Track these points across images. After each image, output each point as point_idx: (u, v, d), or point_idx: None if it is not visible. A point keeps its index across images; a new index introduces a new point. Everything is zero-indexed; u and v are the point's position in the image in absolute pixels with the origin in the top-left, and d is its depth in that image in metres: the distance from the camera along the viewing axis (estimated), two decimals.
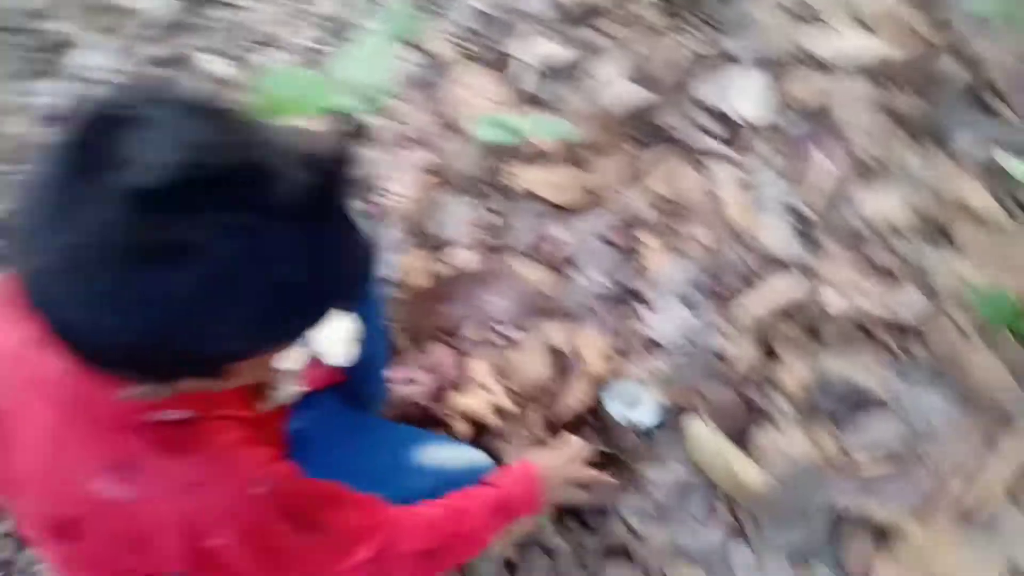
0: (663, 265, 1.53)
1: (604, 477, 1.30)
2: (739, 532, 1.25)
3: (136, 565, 0.81)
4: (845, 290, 1.38)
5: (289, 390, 1.05)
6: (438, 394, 1.54)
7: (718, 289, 1.47)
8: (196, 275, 0.59)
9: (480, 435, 1.49)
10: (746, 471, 1.27)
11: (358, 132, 1.87)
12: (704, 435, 1.32)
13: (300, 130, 0.68)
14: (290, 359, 1.02)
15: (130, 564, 0.81)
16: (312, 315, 0.70)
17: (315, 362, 1.11)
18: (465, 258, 1.66)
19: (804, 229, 1.45)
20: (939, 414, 1.23)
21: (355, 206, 0.72)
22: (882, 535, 1.17)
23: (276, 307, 0.65)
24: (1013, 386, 1.19)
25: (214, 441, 0.79)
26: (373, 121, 1.85)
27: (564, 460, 1.26)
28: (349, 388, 1.36)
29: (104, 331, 0.60)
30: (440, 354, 1.59)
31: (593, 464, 1.30)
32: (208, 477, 0.76)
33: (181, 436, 0.77)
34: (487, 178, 1.72)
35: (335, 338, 1.10)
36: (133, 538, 0.78)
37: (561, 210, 1.65)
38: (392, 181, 1.78)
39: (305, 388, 1.08)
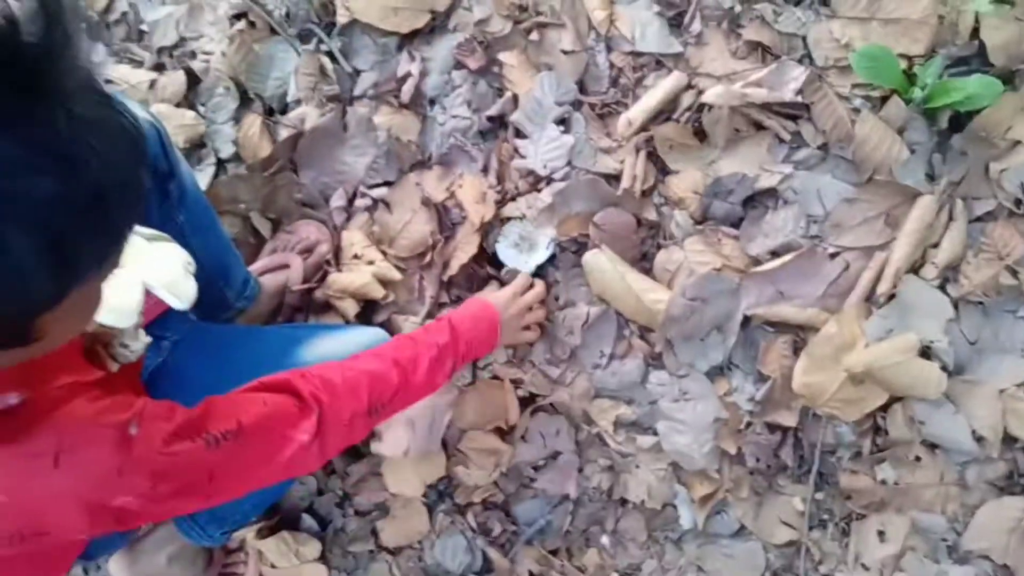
0: (529, 84, 1.28)
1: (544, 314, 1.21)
2: (655, 358, 1.14)
3: (38, 548, 0.68)
4: (725, 78, 1.19)
5: (138, 343, 0.83)
6: (316, 275, 1.31)
7: (593, 102, 1.25)
8: None
9: (370, 310, 1.30)
10: (652, 294, 1.14)
11: None
12: (604, 266, 1.17)
13: None
14: (124, 313, 0.79)
15: (29, 549, 0.68)
16: (103, 225, 0.51)
17: (150, 299, 0.87)
18: (306, 114, 1.36)
19: (674, 17, 1.22)
20: (836, 197, 1.11)
21: (92, 76, 0.50)
22: (795, 332, 1.09)
23: (44, 236, 0.46)
24: (908, 155, 1.06)
25: (61, 408, 0.65)
26: None
27: (518, 299, 1.16)
28: (203, 302, 1.12)
29: None
30: (308, 231, 1.35)
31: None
32: (74, 442, 0.64)
33: (23, 416, 0.63)
34: (311, 16, 1.38)
35: (166, 278, 0.86)
36: (19, 533, 0.66)
37: (404, 38, 1.35)
38: (201, 39, 1.42)
39: (149, 339, 0.86)
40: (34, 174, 0.45)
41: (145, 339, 0.87)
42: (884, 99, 1.11)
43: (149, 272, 0.85)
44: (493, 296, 1.16)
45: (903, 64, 1.11)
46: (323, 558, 1.31)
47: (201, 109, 1.42)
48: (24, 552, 0.68)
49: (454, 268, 1.27)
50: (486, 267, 1.27)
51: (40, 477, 0.63)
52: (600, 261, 1.17)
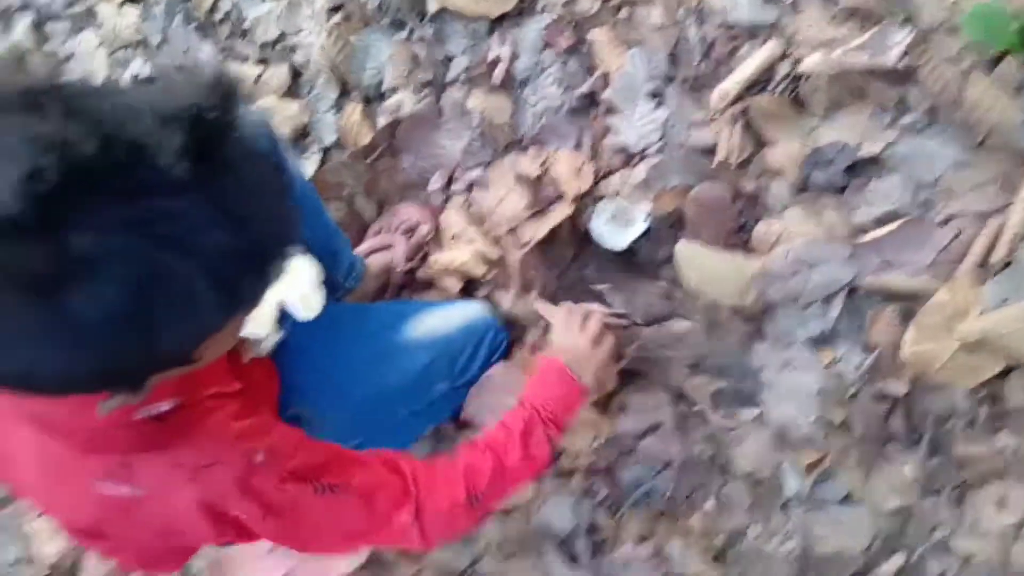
0: (619, 61, 1.29)
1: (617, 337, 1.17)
2: (756, 333, 1.14)
3: (175, 544, 0.79)
4: (824, 45, 1.17)
5: (270, 340, 0.92)
6: (418, 255, 1.37)
7: (686, 75, 1.24)
8: (115, 284, 0.49)
9: (471, 287, 1.34)
10: (749, 271, 1.13)
11: None
12: (697, 250, 1.17)
13: (160, 83, 0.55)
14: (262, 324, 0.87)
15: (169, 544, 0.78)
16: (262, 269, 0.58)
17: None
18: (403, 101, 1.41)
19: None
20: (945, 162, 1.07)
21: (254, 141, 0.57)
22: (903, 301, 1.07)
23: (219, 280, 0.53)
24: (1023, 117, 1.02)
25: (206, 423, 0.74)
26: None
27: (585, 338, 1.13)
28: None
29: (50, 373, 0.52)
30: (410, 212, 1.40)
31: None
32: (210, 458, 0.73)
33: (172, 427, 0.71)
34: (402, 5, 1.42)
35: (299, 291, 0.94)
36: (159, 528, 0.75)
37: (493, 22, 1.37)
38: (300, 33, 1.48)
39: (279, 335, 0.95)
40: (212, 228, 0.52)
41: (276, 336, 0.96)
42: (997, 59, 1.07)
43: (284, 287, 0.91)
44: (556, 344, 1.15)
45: (1017, 22, 1.06)
46: None
47: (304, 100, 1.49)
48: (169, 546, 0.78)
49: (548, 243, 1.29)
50: (583, 244, 1.29)
51: (177, 485, 0.72)
52: (692, 248, 1.17)
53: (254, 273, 0.58)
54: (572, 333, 1.14)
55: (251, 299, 0.60)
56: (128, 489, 0.71)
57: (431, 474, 0.89)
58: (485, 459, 0.95)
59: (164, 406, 0.70)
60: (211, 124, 0.50)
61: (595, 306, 1.21)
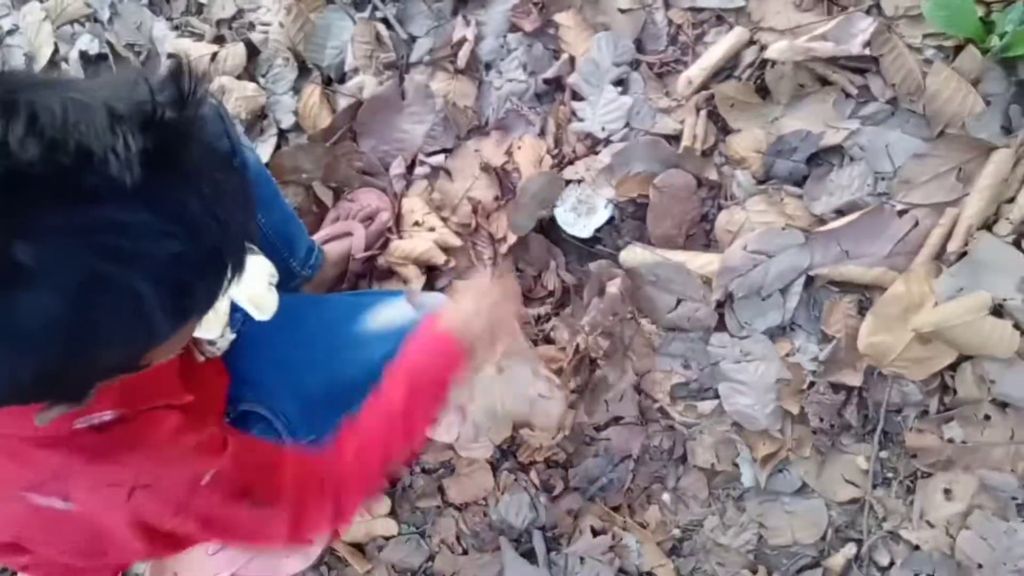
0: (586, 45, 1.31)
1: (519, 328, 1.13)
2: (716, 325, 1.18)
3: (97, 564, 0.77)
4: (789, 33, 1.20)
5: (223, 340, 0.92)
6: (378, 242, 1.38)
7: (651, 61, 1.27)
8: (56, 293, 0.48)
9: (432, 276, 1.36)
10: (698, 261, 1.17)
11: None
12: (643, 255, 1.20)
13: (116, 73, 0.52)
14: (212, 326, 0.88)
15: (90, 563, 0.77)
16: (217, 275, 0.58)
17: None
18: (364, 83, 1.42)
19: None
20: (905, 152, 1.11)
21: (215, 145, 0.57)
22: (861, 292, 1.11)
23: (168, 288, 0.53)
24: (982, 108, 1.06)
25: (150, 437, 0.72)
26: None
27: (487, 301, 0.98)
28: None
29: None
30: (369, 199, 1.41)
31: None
32: (151, 477, 0.71)
33: (114, 438, 0.69)
34: None
35: (251, 291, 0.94)
36: (83, 547, 0.74)
37: (458, 3, 1.38)
38: (259, 10, 1.48)
39: (232, 335, 0.95)
40: (163, 238, 0.51)
41: (229, 336, 0.95)
42: (958, 49, 1.10)
43: (237, 288, 0.91)
44: (453, 303, 1.03)
45: (980, 11, 1.09)
46: (393, 513, 1.40)
47: (261, 80, 1.49)
48: (89, 566, 0.77)
49: (511, 232, 1.32)
50: (546, 232, 1.32)
51: (112, 504, 0.69)
52: (636, 253, 1.21)
53: (208, 280, 0.57)
54: (467, 296, 1.01)
55: (205, 305, 0.60)
56: (59, 502, 0.69)
57: (337, 468, 0.87)
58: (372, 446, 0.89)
59: (106, 416, 0.69)
60: (168, 126, 0.49)
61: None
